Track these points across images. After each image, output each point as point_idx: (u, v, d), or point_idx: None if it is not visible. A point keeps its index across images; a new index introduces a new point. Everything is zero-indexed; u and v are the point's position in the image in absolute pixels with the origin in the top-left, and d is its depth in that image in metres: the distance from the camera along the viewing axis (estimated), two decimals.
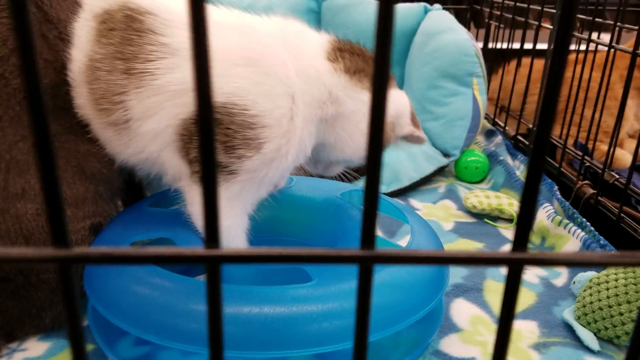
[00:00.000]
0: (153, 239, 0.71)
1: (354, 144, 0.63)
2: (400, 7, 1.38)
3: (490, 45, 1.54)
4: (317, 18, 1.42)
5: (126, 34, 0.54)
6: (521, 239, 0.21)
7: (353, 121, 0.61)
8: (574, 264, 0.20)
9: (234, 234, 0.60)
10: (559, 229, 0.89)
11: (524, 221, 0.22)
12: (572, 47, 1.18)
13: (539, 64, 1.33)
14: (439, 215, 1.01)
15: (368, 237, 0.23)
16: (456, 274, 0.80)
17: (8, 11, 0.58)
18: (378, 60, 0.20)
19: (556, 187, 1.01)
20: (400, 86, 1.41)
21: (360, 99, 0.61)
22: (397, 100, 0.66)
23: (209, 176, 0.22)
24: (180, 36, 0.53)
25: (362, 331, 0.24)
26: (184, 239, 0.61)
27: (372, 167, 0.22)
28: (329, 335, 0.52)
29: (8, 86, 0.59)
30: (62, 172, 0.62)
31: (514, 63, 1.43)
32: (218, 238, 0.23)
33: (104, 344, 0.58)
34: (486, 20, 1.56)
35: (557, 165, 1.09)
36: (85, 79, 0.57)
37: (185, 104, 0.53)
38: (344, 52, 0.61)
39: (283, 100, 0.55)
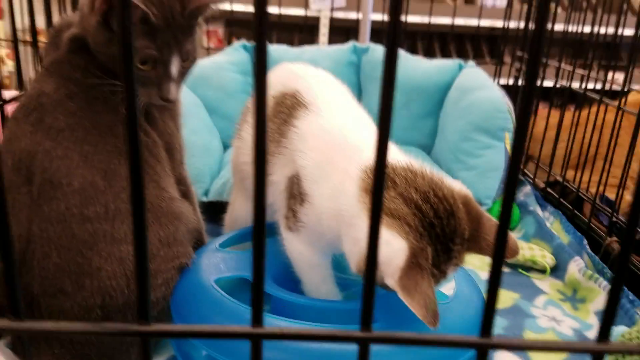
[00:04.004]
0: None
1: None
2: (435, 63, 1.47)
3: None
4: (356, 71, 1.52)
5: (287, 117, 0.75)
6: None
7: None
8: None
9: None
10: (589, 282, 0.96)
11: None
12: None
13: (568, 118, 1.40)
14: (475, 264, 1.07)
15: (365, 319, 0.31)
16: (497, 325, 0.86)
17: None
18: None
19: (585, 241, 1.08)
20: (433, 136, 1.49)
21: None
22: (389, 245, 0.60)
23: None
24: (305, 126, 0.73)
25: None
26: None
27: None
28: None
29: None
30: (157, 214, 0.71)
31: (541, 114, 1.51)
32: (261, 319, 0.31)
33: None
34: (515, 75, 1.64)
35: (587, 220, 1.16)
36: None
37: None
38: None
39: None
